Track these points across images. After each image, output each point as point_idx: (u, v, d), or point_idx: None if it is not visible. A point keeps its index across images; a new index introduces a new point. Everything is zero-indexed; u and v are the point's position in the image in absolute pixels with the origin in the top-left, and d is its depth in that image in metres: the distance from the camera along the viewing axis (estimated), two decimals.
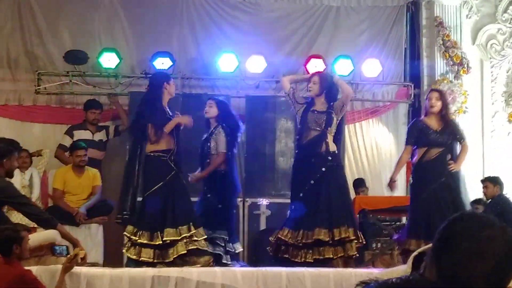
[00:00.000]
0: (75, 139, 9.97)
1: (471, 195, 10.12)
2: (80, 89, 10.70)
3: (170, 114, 7.95)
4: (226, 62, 10.73)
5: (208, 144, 8.50)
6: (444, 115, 8.21)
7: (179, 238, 7.53)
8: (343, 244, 7.74)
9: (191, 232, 7.57)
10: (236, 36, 11.14)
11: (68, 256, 6.51)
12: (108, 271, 6.88)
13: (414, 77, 11.44)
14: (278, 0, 11.42)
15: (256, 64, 10.81)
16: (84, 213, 9.21)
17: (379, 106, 11.55)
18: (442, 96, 8.36)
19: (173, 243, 7.54)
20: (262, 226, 9.94)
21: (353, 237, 7.72)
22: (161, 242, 7.52)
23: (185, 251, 7.54)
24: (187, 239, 7.57)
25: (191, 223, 7.63)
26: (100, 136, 10.26)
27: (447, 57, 11.06)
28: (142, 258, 7.52)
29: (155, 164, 7.79)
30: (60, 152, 10.08)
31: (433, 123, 8.19)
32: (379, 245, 9.22)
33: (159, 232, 7.55)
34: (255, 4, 11.35)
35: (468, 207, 8.24)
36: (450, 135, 8.22)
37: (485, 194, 9.86)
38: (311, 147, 7.95)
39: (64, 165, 9.89)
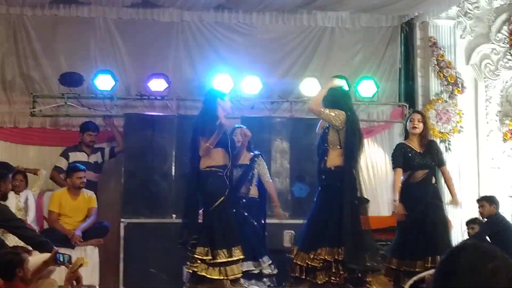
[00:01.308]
0: (70, 161, 9.97)
1: (467, 215, 10.14)
2: (75, 111, 10.70)
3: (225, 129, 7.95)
4: (221, 83, 10.73)
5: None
6: (424, 136, 8.30)
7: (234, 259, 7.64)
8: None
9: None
10: (231, 58, 11.17)
11: (71, 266, 6.48)
12: None
13: (409, 97, 11.47)
14: (273, 21, 11.44)
15: (251, 85, 10.82)
16: (79, 235, 9.20)
17: (374, 126, 11.57)
18: (423, 118, 8.48)
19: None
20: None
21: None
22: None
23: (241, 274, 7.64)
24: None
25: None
26: (95, 158, 10.26)
27: (442, 77, 11.10)
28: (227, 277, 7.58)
29: (212, 179, 7.79)
30: (55, 174, 10.08)
31: (415, 145, 8.30)
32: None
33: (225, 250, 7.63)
34: (250, 26, 11.39)
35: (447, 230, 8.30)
36: (433, 157, 8.33)
37: (481, 213, 9.86)
38: (318, 164, 8.03)
39: (59, 187, 9.88)
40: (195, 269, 7.58)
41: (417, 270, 7.67)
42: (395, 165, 8.39)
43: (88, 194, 9.56)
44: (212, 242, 7.62)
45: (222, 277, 7.53)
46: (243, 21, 11.36)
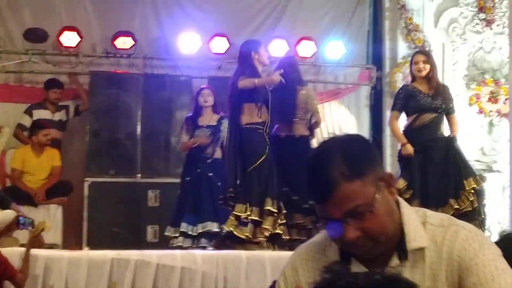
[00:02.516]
0: (34, 118, 9.84)
1: None
2: (39, 67, 10.55)
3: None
4: (188, 43, 10.65)
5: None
6: (432, 78, 8.11)
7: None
8: None
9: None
10: (199, 16, 11.05)
11: (33, 230, 6.44)
12: (66, 253, 6.84)
13: (377, 60, 11.45)
14: None
15: (219, 45, 10.74)
16: (42, 193, 9.13)
17: (341, 89, 11.55)
18: (429, 58, 8.27)
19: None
20: None
21: None
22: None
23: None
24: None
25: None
26: (60, 116, 10.14)
27: (409, 40, 11.08)
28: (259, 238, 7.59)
29: (254, 136, 7.78)
30: (19, 132, 9.94)
31: (423, 87, 8.14)
32: None
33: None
34: None
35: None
36: (445, 101, 8.14)
37: None
38: None
39: (22, 144, 9.77)
40: (231, 228, 7.57)
41: None
42: (393, 108, 8.23)
43: (51, 152, 9.48)
44: (250, 200, 7.65)
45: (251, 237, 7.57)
46: None
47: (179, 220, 8.45)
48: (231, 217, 7.59)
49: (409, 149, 8.04)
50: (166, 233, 8.52)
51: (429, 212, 2.09)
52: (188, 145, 8.77)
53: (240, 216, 7.55)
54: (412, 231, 1.99)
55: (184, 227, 8.33)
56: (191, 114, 9.01)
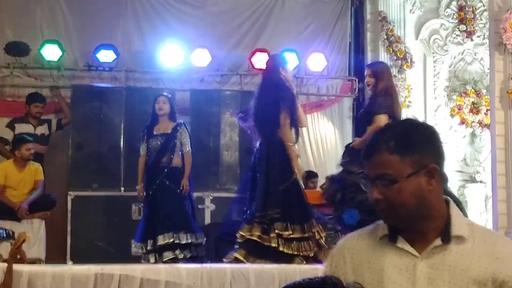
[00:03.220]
0: (16, 132, 9.80)
1: None
2: (21, 81, 10.53)
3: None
4: (171, 55, 10.66)
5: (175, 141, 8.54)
6: (379, 92, 7.97)
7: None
8: None
9: None
10: (181, 29, 11.07)
11: (14, 242, 6.39)
12: (50, 269, 6.78)
13: (359, 71, 11.48)
14: None
15: (201, 58, 10.76)
16: (26, 208, 9.08)
17: (323, 100, 11.59)
18: (373, 72, 8.21)
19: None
20: (207, 220, 9.92)
21: None
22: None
23: None
24: None
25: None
26: (42, 130, 10.10)
27: (391, 51, 11.13)
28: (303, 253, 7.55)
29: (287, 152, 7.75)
30: (1, 146, 9.90)
31: None
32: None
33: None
34: None
35: None
36: None
37: None
38: None
39: (5, 159, 9.72)
40: (273, 244, 7.52)
41: None
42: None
43: (34, 166, 9.41)
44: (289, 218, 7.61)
45: (295, 253, 7.53)
46: None
47: (145, 235, 8.39)
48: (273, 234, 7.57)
49: None
50: (134, 249, 8.44)
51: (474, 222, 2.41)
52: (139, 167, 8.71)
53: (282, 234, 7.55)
54: (457, 222, 2.29)
55: (147, 241, 8.29)
56: (148, 123, 8.85)
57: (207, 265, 7.16)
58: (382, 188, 2.25)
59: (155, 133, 8.65)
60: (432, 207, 2.27)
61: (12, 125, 9.97)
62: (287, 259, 7.44)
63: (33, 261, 8.05)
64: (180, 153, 8.69)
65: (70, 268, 6.94)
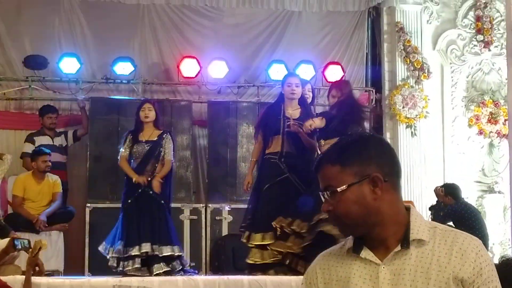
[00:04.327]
0: (36, 145, 9.85)
1: (432, 200, 10.17)
2: (39, 94, 10.59)
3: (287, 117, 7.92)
4: (187, 67, 10.69)
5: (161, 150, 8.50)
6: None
7: None
8: None
9: None
10: (198, 41, 11.12)
11: (31, 250, 6.41)
12: (68, 281, 6.82)
13: (376, 82, 11.49)
14: (240, 5, 11.36)
15: (218, 69, 10.79)
16: (44, 220, 9.13)
17: None
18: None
19: None
20: (224, 231, 9.93)
21: None
22: None
23: None
24: None
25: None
26: (59, 141, 10.16)
27: (408, 62, 11.11)
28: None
29: (266, 165, 7.90)
30: (25, 160, 9.94)
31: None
32: None
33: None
34: (217, 9, 11.31)
35: None
36: None
37: (442, 201, 9.86)
38: None
39: (24, 171, 9.78)
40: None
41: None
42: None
43: (53, 179, 9.48)
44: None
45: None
46: (210, 5, 11.28)
47: (125, 246, 8.15)
48: None
49: None
50: (111, 264, 8.23)
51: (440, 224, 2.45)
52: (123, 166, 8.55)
53: None
54: (416, 226, 2.33)
55: (130, 251, 8.11)
56: (132, 129, 8.74)
57: (224, 277, 7.16)
58: (330, 200, 2.35)
59: (140, 139, 8.56)
60: (382, 214, 2.33)
61: (31, 138, 10.03)
62: None
63: (52, 273, 8.09)
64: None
65: (88, 280, 6.97)
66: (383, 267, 2.31)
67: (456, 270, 2.27)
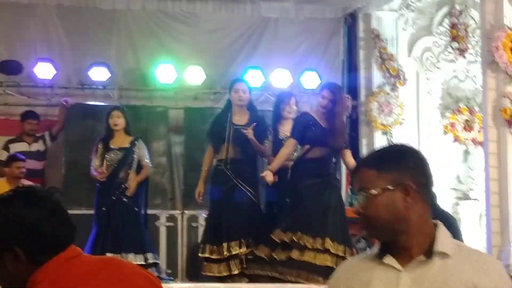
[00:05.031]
0: (10, 152, 9.79)
1: None
2: (14, 100, 10.52)
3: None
4: (164, 73, 10.66)
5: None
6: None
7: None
8: None
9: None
10: (174, 47, 11.08)
11: None
12: None
13: (352, 89, 11.50)
14: (216, 10, 11.35)
15: (195, 75, 10.76)
16: None
17: None
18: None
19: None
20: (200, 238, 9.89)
21: None
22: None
23: None
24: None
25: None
26: (37, 146, 10.11)
27: (384, 69, 11.15)
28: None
29: (215, 173, 8.07)
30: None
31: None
32: None
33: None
34: (193, 15, 11.28)
35: None
36: None
37: None
38: None
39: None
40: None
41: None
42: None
43: (27, 184, 9.40)
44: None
45: None
46: (186, 10, 11.26)
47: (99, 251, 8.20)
48: None
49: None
50: None
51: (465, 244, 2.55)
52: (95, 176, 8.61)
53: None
54: (441, 240, 2.41)
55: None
56: (102, 137, 8.79)
57: (201, 284, 7.14)
58: (362, 202, 2.43)
59: (112, 146, 8.57)
60: (410, 223, 2.40)
61: (6, 146, 10.00)
62: None
63: None
64: (136, 168, 8.63)
65: None
66: (405, 274, 2.37)
67: (479, 284, 2.33)
